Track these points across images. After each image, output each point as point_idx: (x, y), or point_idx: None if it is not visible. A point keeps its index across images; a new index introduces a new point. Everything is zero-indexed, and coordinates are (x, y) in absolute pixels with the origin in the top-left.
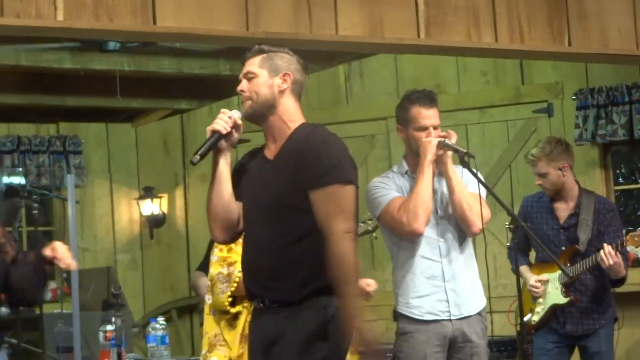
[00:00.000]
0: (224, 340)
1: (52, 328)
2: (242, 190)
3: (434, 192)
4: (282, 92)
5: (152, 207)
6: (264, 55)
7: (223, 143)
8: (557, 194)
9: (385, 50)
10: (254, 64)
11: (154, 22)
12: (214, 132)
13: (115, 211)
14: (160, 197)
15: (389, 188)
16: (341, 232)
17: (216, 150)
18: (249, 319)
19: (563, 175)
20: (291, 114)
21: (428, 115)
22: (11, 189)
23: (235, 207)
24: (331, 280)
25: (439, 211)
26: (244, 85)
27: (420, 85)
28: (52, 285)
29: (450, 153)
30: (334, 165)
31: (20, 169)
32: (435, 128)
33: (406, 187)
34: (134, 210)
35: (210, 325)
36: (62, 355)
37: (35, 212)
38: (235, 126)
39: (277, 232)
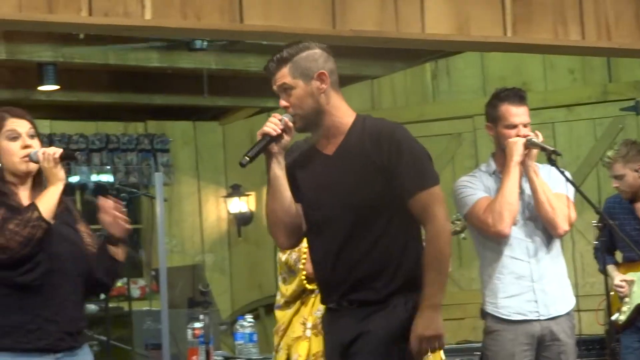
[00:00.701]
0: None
1: (140, 325)
2: (300, 189)
3: (521, 192)
4: (324, 93)
5: (239, 204)
6: (290, 62)
7: (274, 146)
8: (636, 194)
9: (471, 49)
10: (285, 75)
11: (241, 21)
12: (265, 134)
13: (203, 209)
14: (248, 195)
15: (475, 188)
16: (444, 218)
17: (268, 154)
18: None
19: (639, 176)
20: (341, 110)
21: (517, 113)
22: (100, 187)
23: (296, 210)
24: (425, 266)
25: (526, 212)
26: (285, 100)
27: (507, 83)
28: (141, 282)
29: (535, 153)
30: (424, 164)
31: (109, 167)
32: (525, 126)
33: (493, 187)
34: (221, 208)
35: (281, 318)
36: (151, 352)
37: (125, 209)
38: (286, 129)
39: (354, 233)
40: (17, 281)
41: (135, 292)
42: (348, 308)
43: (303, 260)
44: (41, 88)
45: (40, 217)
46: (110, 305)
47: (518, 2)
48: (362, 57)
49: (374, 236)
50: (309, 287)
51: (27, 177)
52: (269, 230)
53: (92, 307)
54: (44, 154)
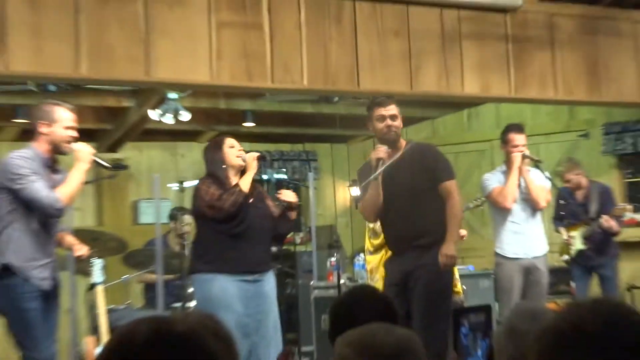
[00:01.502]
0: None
1: (300, 259)
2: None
3: (519, 184)
4: None
5: (356, 190)
6: (395, 102)
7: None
8: (577, 187)
9: (490, 101)
10: (395, 109)
11: (358, 85)
12: (379, 159)
13: (336, 193)
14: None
15: (493, 180)
16: (458, 195)
17: (379, 168)
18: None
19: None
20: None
21: (519, 138)
22: (278, 181)
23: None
24: (448, 220)
25: (521, 195)
26: (397, 123)
27: (510, 121)
28: (301, 234)
29: (527, 161)
30: (449, 166)
31: (284, 169)
32: (523, 146)
33: (503, 180)
34: (346, 192)
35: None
36: (305, 275)
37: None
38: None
39: (415, 208)
40: (232, 231)
41: (297, 240)
42: (410, 251)
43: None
44: (245, 124)
45: (240, 190)
46: (284, 247)
47: (518, 74)
48: (427, 106)
49: (423, 209)
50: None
51: (238, 171)
52: (367, 216)
53: (273, 249)
54: (248, 157)
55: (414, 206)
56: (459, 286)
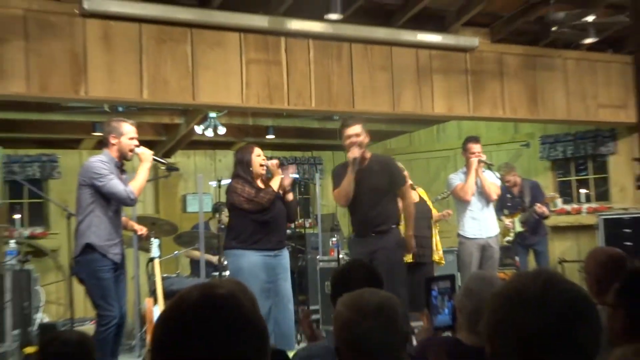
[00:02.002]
0: None
1: (309, 239)
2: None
3: (476, 182)
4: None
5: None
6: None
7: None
8: (513, 185)
9: (454, 119)
10: (358, 128)
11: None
12: (354, 158)
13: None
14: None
15: (456, 179)
16: (411, 197)
17: (355, 166)
18: None
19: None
20: None
21: (476, 147)
22: (293, 179)
23: None
24: (405, 217)
25: (478, 190)
26: (360, 139)
27: (470, 134)
28: (309, 220)
29: (482, 165)
30: (402, 174)
31: (296, 171)
32: (479, 152)
33: (464, 179)
34: None
35: None
36: (313, 251)
37: (302, 189)
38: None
39: (376, 203)
40: (261, 219)
41: (307, 224)
42: (371, 235)
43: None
44: (267, 137)
45: (273, 190)
46: (297, 230)
47: (475, 98)
48: (406, 122)
49: (382, 205)
50: None
51: (261, 176)
52: (339, 200)
53: (288, 231)
54: (272, 164)
55: (376, 202)
56: (441, 255)
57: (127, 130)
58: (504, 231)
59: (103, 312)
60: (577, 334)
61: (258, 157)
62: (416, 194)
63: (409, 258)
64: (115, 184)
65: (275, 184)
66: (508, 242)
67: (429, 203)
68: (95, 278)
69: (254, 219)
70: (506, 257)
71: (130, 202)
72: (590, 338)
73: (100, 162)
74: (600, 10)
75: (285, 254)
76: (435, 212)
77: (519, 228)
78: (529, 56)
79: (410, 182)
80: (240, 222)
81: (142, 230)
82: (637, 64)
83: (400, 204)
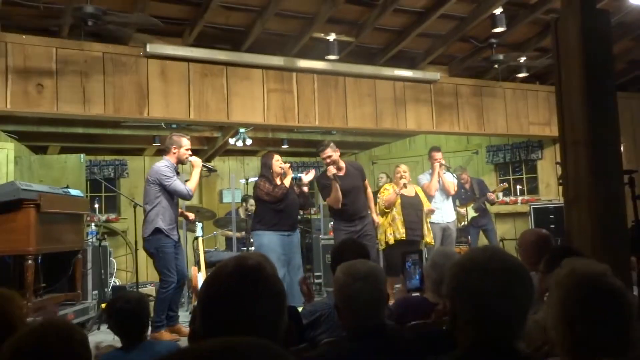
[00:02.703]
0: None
1: (314, 223)
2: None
3: (438, 181)
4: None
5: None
6: (330, 146)
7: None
8: (465, 182)
9: (422, 133)
10: (330, 151)
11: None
12: (333, 174)
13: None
14: None
15: (424, 179)
16: (370, 188)
17: (334, 178)
18: (390, 217)
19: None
20: None
21: (438, 155)
22: (300, 178)
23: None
24: (368, 202)
25: (440, 187)
26: (332, 158)
27: (434, 144)
28: (314, 209)
29: (443, 168)
30: (364, 173)
31: (304, 172)
32: (441, 159)
33: (429, 179)
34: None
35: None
36: (317, 232)
37: (313, 170)
38: (337, 169)
39: (358, 197)
40: (277, 208)
41: (312, 212)
42: (356, 220)
43: (381, 202)
44: (282, 147)
45: (284, 186)
46: (304, 216)
47: (437, 117)
48: (386, 135)
49: (361, 197)
50: (386, 210)
51: (278, 174)
52: (334, 205)
53: (299, 217)
54: (286, 167)
55: (357, 196)
56: (430, 236)
57: (185, 143)
58: (460, 217)
59: (165, 277)
60: (515, 292)
61: (277, 162)
62: (412, 189)
63: (402, 237)
64: (178, 183)
65: (287, 181)
66: (463, 225)
67: (422, 198)
68: (161, 252)
69: (272, 208)
70: (461, 236)
71: (189, 197)
72: (525, 295)
73: (165, 166)
74: (530, 52)
75: (297, 234)
76: (427, 206)
77: (472, 214)
78: (478, 86)
79: (407, 181)
80: (262, 209)
81: (191, 216)
82: (557, 92)
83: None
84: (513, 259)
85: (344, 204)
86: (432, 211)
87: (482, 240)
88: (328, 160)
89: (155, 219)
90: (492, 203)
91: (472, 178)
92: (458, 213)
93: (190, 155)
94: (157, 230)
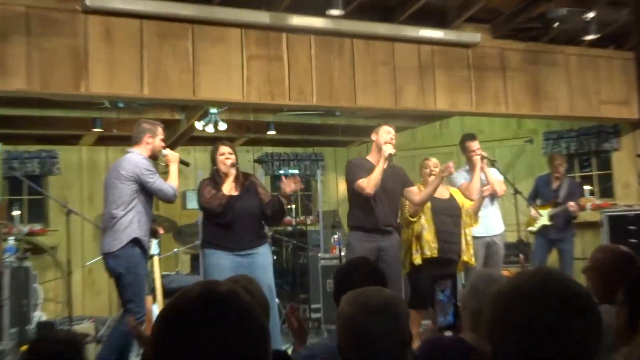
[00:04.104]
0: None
1: (311, 236)
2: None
3: (481, 179)
4: None
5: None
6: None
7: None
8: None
9: (457, 115)
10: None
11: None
12: (391, 154)
13: (338, 186)
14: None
15: (460, 178)
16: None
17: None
18: (418, 227)
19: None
20: None
21: (473, 144)
22: (292, 175)
23: None
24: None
25: (482, 186)
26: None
27: (472, 130)
28: (311, 217)
29: (486, 161)
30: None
31: (296, 167)
32: (478, 149)
33: (467, 178)
34: (343, 184)
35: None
36: (314, 248)
37: (303, 185)
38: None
39: (391, 202)
40: (221, 222)
41: (308, 221)
42: (380, 231)
43: (404, 208)
44: (268, 133)
45: (223, 194)
46: (297, 227)
47: (477, 94)
48: (408, 118)
49: (394, 204)
50: (411, 219)
51: (228, 175)
52: (368, 187)
53: (289, 228)
54: (232, 164)
55: (390, 202)
56: (470, 254)
57: (160, 132)
58: (529, 220)
59: (136, 307)
60: (575, 330)
61: (222, 155)
62: (446, 191)
63: (434, 254)
64: (162, 182)
65: (226, 187)
66: (530, 231)
67: (461, 201)
68: (134, 273)
69: (214, 222)
70: (512, 254)
71: (174, 198)
72: (588, 334)
73: (145, 159)
74: (601, 6)
75: (262, 252)
76: (467, 216)
77: (546, 221)
78: (531, 52)
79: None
80: (207, 223)
81: (161, 230)
82: (639, 60)
83: (417, 197)
84: (574, 286)
85: (365, 203)
86: (475, 217)
87: (554, 260)
88: (393, 138)
89: (130, 227)
90: (573, 216)
91: (564, 176)
92: (530, 215)
93: (164, 148)
94: (134, 242)
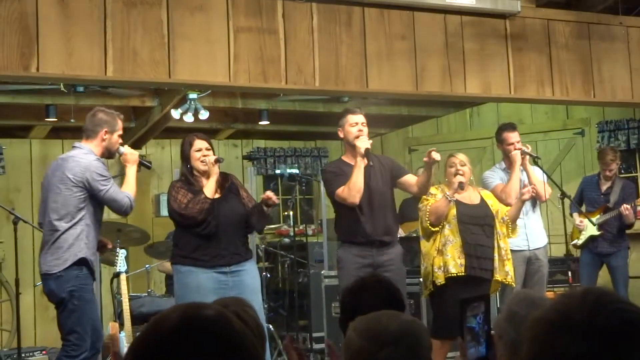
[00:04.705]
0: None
1: (312, 250)
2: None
3: (521, 179)
4: None
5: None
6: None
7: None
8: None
9: (491, 101)
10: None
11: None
12: (367, 148)
13: None
14: None
15: (495, 177)
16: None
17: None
18: (443, 236)
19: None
20: None
21: (512, 136)
22: (291, 175)
23: None
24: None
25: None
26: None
27: (510, 120)
28: (312, 227)
29: (527, 157)
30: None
31: (296, 165)
32: (518, 142)
33: (505, 178)
34: None
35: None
36: (317, 264)
37: (303, 187)
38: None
39: (383, 205)
40: (202, 233)
41: (309, 232)
42: (376, 249)
43: (425, 215)
44: (261, 123)
45: (205, 197)
46: (296, 239)
47: (517, 74)
48: (431, 105)
49: (388, 208)
50: (433, 229)
51: (205, 173)
52: (353, 196)
53: (286, 240)
54: (216, 162)
55: (381, 208)
56: (507, 272)
57: (120, 126)
58: (573, 231)
59: (77, 340)
60: None
61: (198, 151)
62: (476, 194)
63: (460, 271)
64: (117, 190)
65: (209, 188)
66: (574, 245)
67: (494, 207)
68: (78, 299)
69: (192, 232)
70: (558, 272)
71: (130, 210)
72: None
73: (97, 160)
74: None
75: (248, 269)
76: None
77: (593, 232)
78: (583, 23)
79: (465, 179)
80: (182, 233)
81: (109, 244)
82: None
83: (414, 188)
84: (630, 310)
85: (357, 217)
86: (513, 226)
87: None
88: (363, 129)
89: (77, 245)
90: (627, 225)
91: (616, 176)
92: (574, 225)
93: (122, 145)
94: (80, 263)
